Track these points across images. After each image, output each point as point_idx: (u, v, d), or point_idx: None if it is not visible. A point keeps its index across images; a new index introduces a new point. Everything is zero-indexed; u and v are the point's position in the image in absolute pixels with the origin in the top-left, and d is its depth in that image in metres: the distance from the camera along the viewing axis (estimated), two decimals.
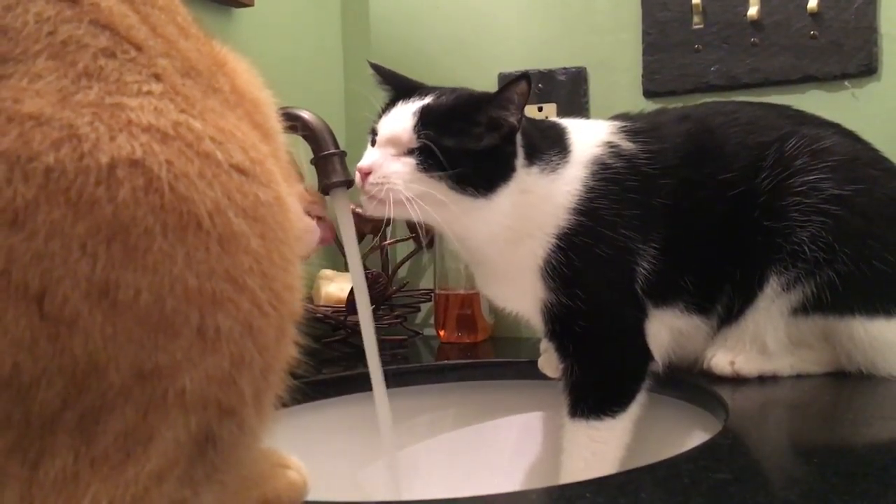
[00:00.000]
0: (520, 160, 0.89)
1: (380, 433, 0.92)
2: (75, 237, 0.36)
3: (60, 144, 0.37)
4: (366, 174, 0.85)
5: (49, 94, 0.38)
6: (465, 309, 1.35)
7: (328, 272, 1.43)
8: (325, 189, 0.89)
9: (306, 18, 1.47)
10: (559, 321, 0.92)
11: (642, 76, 1.31)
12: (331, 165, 0.89)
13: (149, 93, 0.41)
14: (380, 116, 0.90)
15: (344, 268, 1.47)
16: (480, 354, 1.27)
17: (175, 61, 0.45)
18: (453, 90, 0.91)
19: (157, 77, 0.42)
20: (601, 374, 0.93)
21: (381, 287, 1.32)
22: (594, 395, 0.92)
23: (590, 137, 0.95)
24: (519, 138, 0.89)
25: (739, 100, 1.08)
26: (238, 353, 0.42)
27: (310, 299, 1.39)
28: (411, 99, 0.89)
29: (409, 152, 0.85)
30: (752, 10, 1.22)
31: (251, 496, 0.53)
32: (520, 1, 1.40)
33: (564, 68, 1.36)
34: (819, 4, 1.19)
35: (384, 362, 1.25)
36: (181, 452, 0.42)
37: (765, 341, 0.93)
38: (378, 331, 1.36)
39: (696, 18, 1.27)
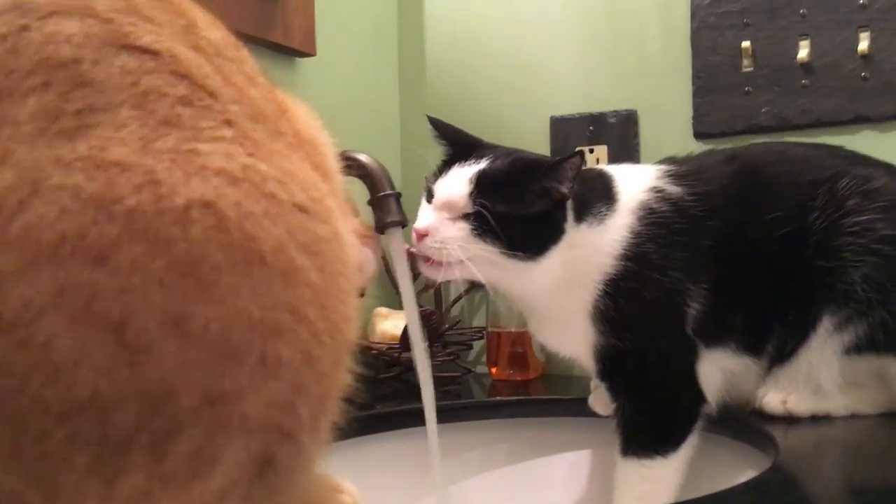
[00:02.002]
0: (570, 221, 0.92)
1: (430, 468, 0.94)
2: (153, 272, 0.40)
3: (141, 188, 0.40)
4: (422, 235, 0.89)
5: (132, 141, 0.42)
6: (516, 347, 1.37)
7: (383, 310, 1.46)
8: (380, 228, 0.92)
9: (365, 66, 1.53)
10: (610, 362, 0.94)
11: (693, 118, 1.33)
12: (387, 206, 0.92)
13: (221, 138, 0.44)
14: (436, 176, 0.94)
15: (398, 306, 1.50)
16: (532, 392, 1.28)
17: (245, 107, 0.48)
18: (508, 154, 0.94)
19: (229, 123, 0.46)
20: (653, 414, 0.93)
21: (434, 325, 1.34)
22: (646, 435, 0.93)
23: (636, 184, 0.97)
24: (570, 202, 0.92)
25: (790, 140, 1.09)
26: (297, 380, 0.45)
27: (365, 336, 1.42)
28: (468, 162, 0.92)
29: (464, 216, 0.89)
30: (802, 53, 1.23)
31: None
32: (571, 46, 1.43)
33: (615, 111, 1.38)
34: (870, 46, 1.19)
35: (437, 398, 1.28)
36: (243, 473, 0.44)
37: (818, 381, 0.93)
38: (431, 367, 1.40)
39: (745, 62, 1.28)
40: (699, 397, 0.94)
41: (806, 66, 1.24)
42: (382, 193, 0.92)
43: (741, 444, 0.96)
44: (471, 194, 0.89)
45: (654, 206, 0.95)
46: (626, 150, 1.37)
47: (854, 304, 0.89)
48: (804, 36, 1.24)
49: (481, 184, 0.89)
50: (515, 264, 0.89)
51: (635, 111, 1.37)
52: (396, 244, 0.92)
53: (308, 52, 1.31)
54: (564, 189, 0.89)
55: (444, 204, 0.90)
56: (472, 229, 0.88)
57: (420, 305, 1.48)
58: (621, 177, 0.99)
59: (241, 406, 0.43)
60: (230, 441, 0.43)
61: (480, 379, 1.42)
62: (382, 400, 1.26)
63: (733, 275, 0.94)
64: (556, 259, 0.91)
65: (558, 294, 0.94)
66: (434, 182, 0.93)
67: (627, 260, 0.92)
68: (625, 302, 0.92)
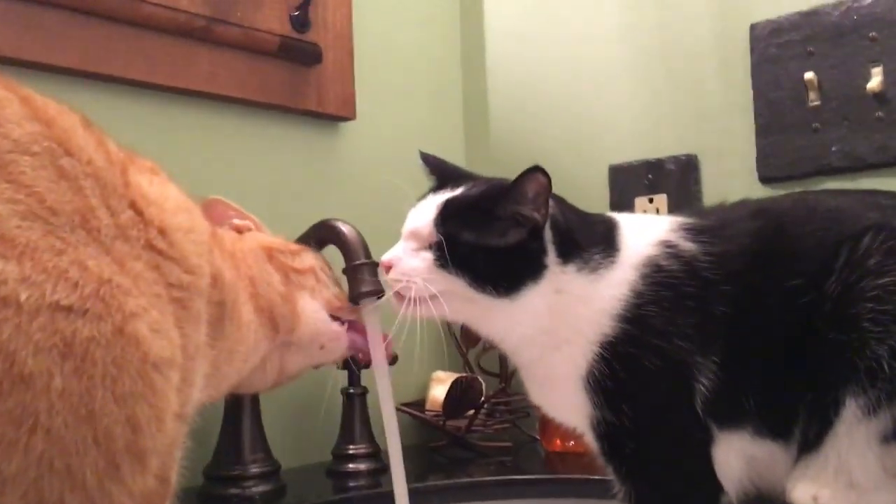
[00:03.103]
0: (551, 257, 0.83)
1: None
2: None
3: None
4: (387, 268, 0.84)
5: None
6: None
7: (441, 374, 1.41)
8: (354, 298, 0.89)
9: (422, 128, 1.51)
10: (608, 440, 0.84)
11: (757, 161, 1.20)
12: (360, 275, 0.89)
13: None
14: (412, 207, 0.88)
15: (461, 368, 1.45)
16: (586, 466, 1.18)
17: (17, 206, 0.47)
18: (488, 181, 0.88)
19: None
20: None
21: (476, 392, 1.28)
22: None
23: (644, 235, 0.87)
24: (549, 233, 0.83)
25: (862, 184, 0.94)
26: (34, 493, 0.43)
27: (422, 403, 1.38)
28: (442, 190, 0.87)
29: (429, 247, 0.83)
30: (874, 82, 1.08)
31: None
32: (627, 92, 1.35)
33: (674, 156, 1.27)
34: None
35: (488, 470, 1.21)
36: None
37: (851, 474, 0.78)
38: (484, 437, 1.33)
39: (811, 95, 1.14)
40: (714, 486, 0.82)
41: (879, 97, 1.08)
42: (356, 262, 0.89)
43: None
44: (435, 221, 0.82)
45: (663, 263, 0.84)
46: (686, 198, 1.25)
47: (882, 383, 0.74)
48: (875, 62, 1.09)
49: (447, 211, 0.83)
50: (489, 302, 0.81)
51: (695, 156, 1.26)
52: (370, 314, 0.88)
53: (347, 117, 1.31)
54: (532, 213, 0.80)
55: (411, 233, 0.84)
56: (435, 259, 0.81)
57: (480, 368, 1.42)
58: (629, 225, 0.89)
59: None
60: None
61: (541, 449, 1.33)
62: (430, 471, 1.21)
63: (748, 348, 0.81)
64: (538, 302, 0.82)
65: (547, 351, 0.85)
66: None
67: (626, 322, 0.82)
68: (622, 370, 0.82)
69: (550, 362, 0.86)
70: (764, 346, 0.82)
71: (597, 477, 1.10)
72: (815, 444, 0.80)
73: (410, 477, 1.16)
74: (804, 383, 0.80)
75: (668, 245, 0.85)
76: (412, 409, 1.34)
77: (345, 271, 0.91)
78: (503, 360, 1.44)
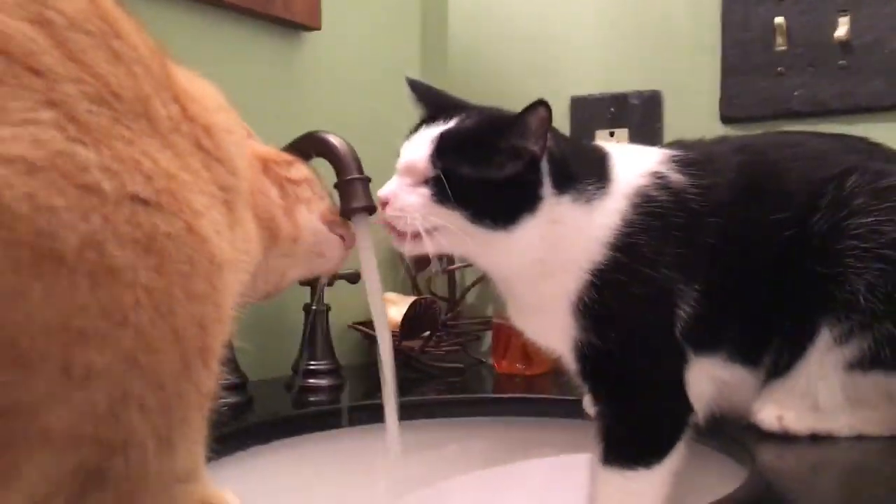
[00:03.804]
0: (547, 188, 0.83)
1: (393, 465, 0.89)
2: None
3: None
4: (384, 204, 0.83)
5: None
6: (524, 339, 1.30)
7: (392, 296, 1.41)
8: (346, 214, 0.87)
9: (381, 43, 1.47)
10: (591, 362, 0.87)
11: (720, 101, 1.23)
12: (353, 190, 0.87)
13: (32, 121, 0.40)
14: (406, 139, 0.87)
15: (410, 291, 1.46)
16: (535, 389, 1.22)
17: (86, 87, 0.44)
18: (481, 112, 0.86)
19: (52, 104, 0.41)
20: (636, 421, 0.86)
21: (434, 314, 1.29)
22: (628, 444, 0.86)
23: (635, 166, 0.89)
24: (546, 165, 0.83)
25: (822, 129, 0.99)
26: (118, 389, 0.41)
27: (372, 323, 1.38)
28: (435, 122, 0.85)
29: (426, 182, 0.82)
30: (841, 31, 1.12)
31: None
32: (594, 22, 1.35)
33: (638, 91, 1.30)
34: None
35: (437, 390, 1.24)
36: (56, 488, 0.41)
37: (817, 397, 0.84)
38: (436, 358, 1.35)
39: (779, 39, 1.18)
40: (686, 406, 0.86)
41: (844, 45, 1.13)
42: (349, 177, 0.87)
43: (732, 461, 0.88)
44: (431, 156, 0.81)
45: (653, 193, 0.86)
46: (648, 134, 1.28)
47: (856, 315, 0.79)
48: (843, 11, 1.13)
49: (443, 145, 0.82)
50: (486, 235, 0.81)
51: (660, 92, 1.29)
52: (362, 231, 0.87)
53: (312, 26, 1.26)
54: (532, 146, 0.80)
55: (406, 168, 0.83)
56: (433, 195, 0.81)
57: (431, 292, 1.44)
58: (620, 156, 0.90)
59: (41, 419, 0.39)
60: (29, 456, 0.39)
61: (492, 371, 1.36)
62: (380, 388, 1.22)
63: (730, 278, 0.85)
64: (534, 233, 0.83)
65: (539, 279, 0.86)
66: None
67: (618, 250, 0.84)
68: (611, 296, 0.84)
69: (540, 289, 0.87)
70: (746, 276, 0.86)
71: (541, 396, 1.16)
72: (784, 370, 0.86)
73: (359, 395, 1.18)
74: (782, 313, 0.85)
75: (658, 176, 0.88)
76: (365, 328, 1.34)
77: (336, 186, 0.89)
78: (453, 283, 1.45)
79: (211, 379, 0.48)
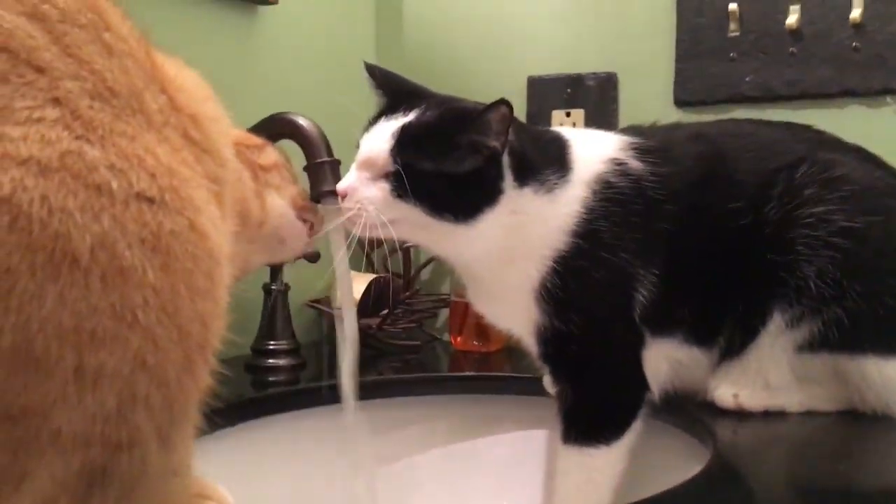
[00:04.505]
0: (508, 181, 0.84)
1: (353, 444, 0.91)
2: None
3: None
4: (342, 196, 0.83)
5: None
6: (480, 317, 1.32)
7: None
8: (315, 197, 0.87)
9: (336, 20, 1.45)
10: (552, 344, 0.89)
11: (674, 84, 1.26)
12: (322, 174, 0.87)
13: (40, 119, 0.39)
14: (365, 130, 0.86)
15: (364, 269, 1.46)
16: (491, 366, 1.25)
17: (86, 83, 0.43)
18: (441, 103, 0.86)
19: (57, 101, 0.41)
20: (595, 400, 0.89)
21: (393, 291, 1.30)
22: (588, 422, 0.88)
23: (595, 153, 0.90)
24: (506, 159, 0.84)
25: (772, 115, 1.02)
26: (127, 389, 0.41)
27: (328, 300, 1.38)
28: (395, 114, 0.85)
29: (385, 176, 0.82)
30: (792, 19, 1.16)
31: None
32: (551, 4, 1.36)
33: (594, 73, 1.31)
34: (862, 15, 1.12)
35: (394, 368, 1.25)
36: (63, 489, 0.41)
37: (768, 377, 0.88)
38: (392, 335, 1.36)
39: (732, 25, 1.21)
40: (643, 386, 0.89)
41: (795, 33, 1.16)
42: (318, 160, 0.87)
43: (689, 437, 0.92)
44: (392, 151, 0.81)
45: (613, 180, 0.88)
46: (604, 115, 1.30)
47: (807, 300, 0.83)
48: (794, 1, 1.16)
49: (404, 139, 0.82)
50: (447, 228, 0.82)
51: (615, 74, 1.31)
52: (331, 213, 0.87)
53: (269, 0, 1.24)
54: (492, 142, 0.81)
55: (365, 162, 0.83)
56: (392, 190, 0.81)
57: (386, 269, 1.44)
58: (579, 143, 0.91)
59: (52, 421, 0.38)
60: (41, 458, 0.39)
61: (448, 348, 1.38)
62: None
63: (686, 264, 0.88)
64: (495, 225, 0.84)
65: (501, 266, 0.88)
66: (361, 137, 0.86)
67: (579, 237, 0.86)
68: (574, 281, 0.86)
69: (502, 276, 0.89)
70: (701, 261, 0.89)
71: (500, 374, 1.18)
72: (738, 351, 0.89)
73: (318, 374, 1.18)
74: (736, 297, 0.88)
75: (617, 163, 0.90)
76: (321, 305, 1.34)
77: (306, 169, 0.88)
78: (407, 261, 1.46)
79: (208, 374, 0.48)
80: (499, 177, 0.83)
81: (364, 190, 0.81)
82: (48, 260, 0.37)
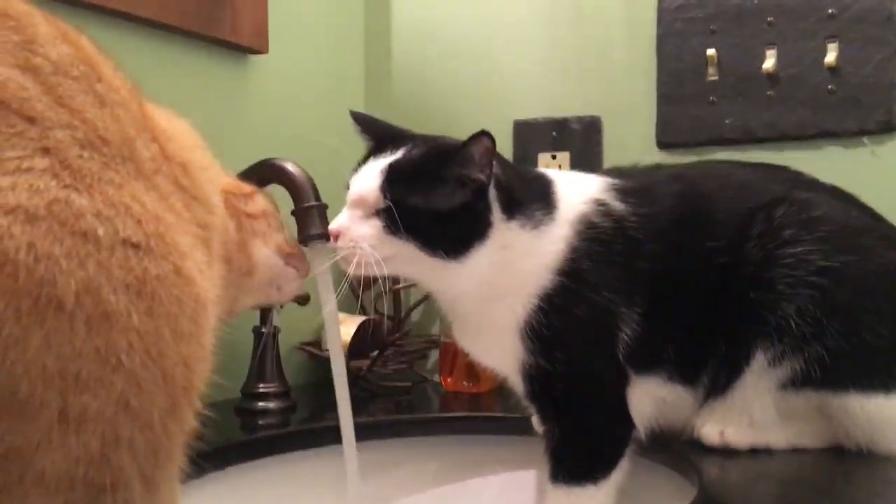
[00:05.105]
0: (496, 214, 0.86)
1: (348, 489, 0.91)
2: None
3: None
4: (335, 237, 0.84)
5: None
6: (470, 357, 1.32)
7: (339, 315, 1.42)
8: (303, 241, 0.88)
9: (326, 66, 1.48)
10: (538, 383, 0.90)
11: (657, 127, 1.29)
12: (310, 218, 0.89)
13: (28, 169, 0.41)
14: (354, 171, 0.88)
15: (355, 311, 1.47)
16: (483, 406, 1.25)
17: (76, 132, 0.45)
18: (426, 141, 0.88)
19: (46, 151, 0.42)
20: (581, 439, 0.90)
21: (383, 333, 1.31)
22: (574, 461, 0.89)
23: (578, 193, 0.92)
24: (493, 192, 0.86)
25: (752, 156, 1.04)
26: (111, 432, 0.42)
27: (319, 343, 1.39)
28: (383, 153, 0.86)
29: (376, 213, 0.83)
30: (768, 63, 1.19)
31: None
32: (536, 51, 1.39)
33: (579, 117, 1.34)
34: (837, 59, 1.15)
35: (385, 409, 1.25)
36: None
37: (752, 414, 0.89)
38: (382, 377, 1.37)
39: (710, 70, 1.24)
40: (629, 424, 0.90)
41: (772, 77, 1.19)
42: (306, 205, 0.89)
43: (676, 474, 0.93)
44: (381, 187, 0.83)
45: (595, 220, 0.90)
46: (588, 158, 1.32)
47: (788, 339, 0.84)
48: (770, 45, 1.20)
49: (392, 176, 0.83)
50: (436, 262, 0.84)
51: (599, 118, 1.33)
52: (319, 258, 0.89)
53: (259, 50, 1.27)
54: (478, 175, 0.82)
55: (356, 201, 0.84)
56: (385, 227, 0.82)
57: (377, 312, 1.45)
58: (563, 183, 0.93)
59: (36, 464, 0.39)
60: (23, 501, 0.39)
61: (438, 389, 1.38)
62: (331, 409, 1.23)
63: (668, 303, 0.89)
64: (483, 259, 0.85)
65: (488, 303, 0.89)
66: (351, 178, 0.87)
67: (563, 275, 0.87)
68: (557, 319, 0.87)
69: (488, 313, 0.90)
70: (683, 301, 0.90)
71: (490, 415, 1.18)
72: (723, 389, 0.90)
73: (309, 417, 1.18)
74: (718, 336, 0.89)
75: (600, 203, 0.91)
76: (311, 348, 1.35)
77: (293, 213, 0.90)
78: (398, 303, 1.47)
79: (193, 417, 0.49)
80: (487, 210, 0.85)
81: (357, 228, 0.83)
82: (33, 305, 0.38)
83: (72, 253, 0.40)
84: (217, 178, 0.62)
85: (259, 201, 0.85)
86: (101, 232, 0.42)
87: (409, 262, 0.84)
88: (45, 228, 0.39)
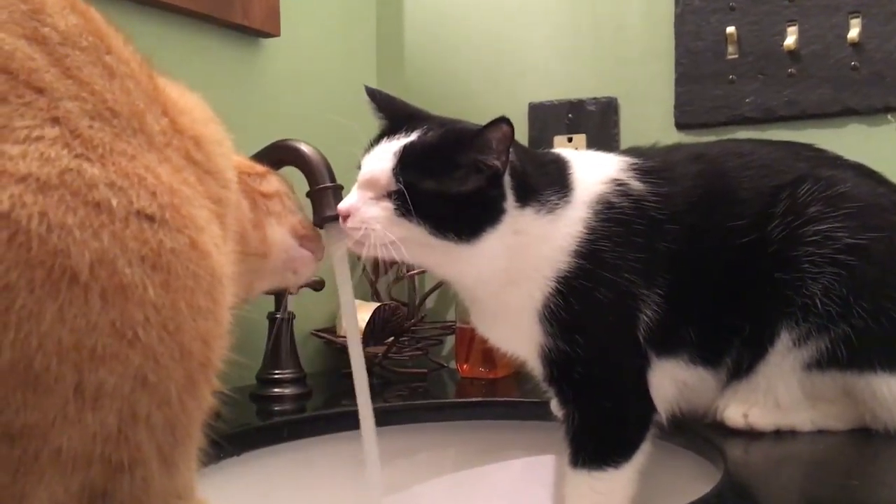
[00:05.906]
0: (509, 202, 0.84)
1: (369, 473, 0.89)
2: None
3: None
4: (345, 217, 0.83)
5: None
6: (486, 343, 1.31)
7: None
8: (318, 223, 0.87)
9: (337, 50, 1.47)
10: (558, 366, 0.88)
11: (674, 108, 1.26)
12: (325, 199, 0.87)
13: (39, 138, 0.39)
14: (366, 151, 0.86)
15: (370, 298, 1.46)
16: (498, 392, 1.24)
17: (86, 104, 0.43)
18: (442, 124, 0.86)
19: (56, 121, 0.41)
20: (602, 423, 0.88)
21: (399, 319, 1.30)
22: (595, 445, 0.88)
23: (595, 174, 0.90)
24: (508, 179, 0.84)
25: (772, 135, 1.02)
26: (128, 408, 0.41)
27: (333, 330, 1.38)
28: (397, 135, 0.85)
29: (388, 195, 0.81)
30: (790, 40, 1.16)
31: None
32: (551, 31, 1.37)
33: (595, 98, 1.32)
34: (860, 35, 1.12)
35: (401, 396, 1.24)
36: None
37: (777, 395, 0.87)
38: (398, 363, 1.36)
39: (730, 48, 1.21)
40: (650, 407, 0.88)
41: (793, 54, 1.17)
42: (321, 186, 0.87)
43: (699, 457, 0.91)
44: (394, 170, 0.81)
45: (614, 200, 0.88)
46: (605, 139, 1.31)
47: (814, 318, 0.83)
48: (792, 22, 1.17)
49: (406, 158, 0.81)
50: (449, 248, 0.82)
51: (616, 99, 1.31)
52: (335, 239, 0.87)
53: (271, 33, 1.25)
54: (494, 161, 0.81)
55: (368, 182, 0.83)
56: (396, 209, 0.80)
57: (392, 299, 1.44)
58: (580, 164, 0.91)
59: (52, 440, 0.38)
60: (40, 479, 0.38)
61: (454, 375, 1.37)
62: (346, 395, 1.22)
63: (689, 283, 0.88)
64: (496, 245, 0.83)
65: (503, 287, 0.87)
66: (363, 158, 0.86)
67: (582, 257, 0.85)
68: (577, 302, 0.85)
69: (505, 298, 0.88)
70: (705, 281, 0.89)
71: (508, 399, 1.17)
72: (746, 371, 0.88)
73: (325, 403, 1.17)
74: (742, 316, 0.87)
75: (618, 183, 0.89)
76: (326, 335, 1.34)
77: (308, 195, 0.89)
78: (413, 289, 1.46)
79: (210, 393, 0.48)
80: (500, 197, 0.83)
81: (367, 209, 0.81)
82: (47, 276, 0.37)
83: (85, 223, 0.38)
84: (230, 153, 0.60)
85: (273, 181, 0.84)
86: (114, 202, 0.40)
87: (419, 246, 0.82)
88: (58, 198, 0.38)
